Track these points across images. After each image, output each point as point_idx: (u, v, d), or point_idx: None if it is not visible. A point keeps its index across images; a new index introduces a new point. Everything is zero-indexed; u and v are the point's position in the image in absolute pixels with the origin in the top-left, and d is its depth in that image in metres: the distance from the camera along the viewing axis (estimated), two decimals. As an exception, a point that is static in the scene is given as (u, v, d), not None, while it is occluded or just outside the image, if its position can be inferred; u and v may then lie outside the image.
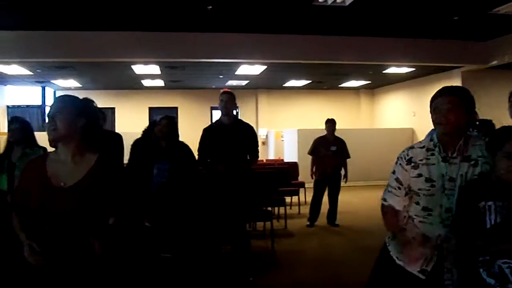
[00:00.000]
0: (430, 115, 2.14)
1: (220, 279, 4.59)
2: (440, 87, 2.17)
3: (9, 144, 4.12)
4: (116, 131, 8.42)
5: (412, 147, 2.21)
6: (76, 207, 1.97)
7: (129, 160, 4.93)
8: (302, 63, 9.88)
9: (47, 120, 2.07)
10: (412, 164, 2.14)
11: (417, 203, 2.14)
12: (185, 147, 4.78)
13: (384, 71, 11.53)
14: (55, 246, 1.96)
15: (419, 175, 2.11)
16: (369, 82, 14.03)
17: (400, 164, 2.19)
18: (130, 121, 14.49)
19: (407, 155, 2.18)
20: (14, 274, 2.21)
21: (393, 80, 13.43)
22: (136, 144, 5.12)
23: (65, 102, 2.09)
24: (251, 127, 4.95)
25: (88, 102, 2.23)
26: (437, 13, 7.19)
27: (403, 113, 13.79)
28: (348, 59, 9.22)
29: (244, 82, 13.57)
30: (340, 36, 8.51)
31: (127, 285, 2.20)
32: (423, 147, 2.17)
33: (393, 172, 2.23)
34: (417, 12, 7.08)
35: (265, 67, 10.58)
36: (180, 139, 4.96)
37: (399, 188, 2.20)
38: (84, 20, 7.40)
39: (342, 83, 14.31)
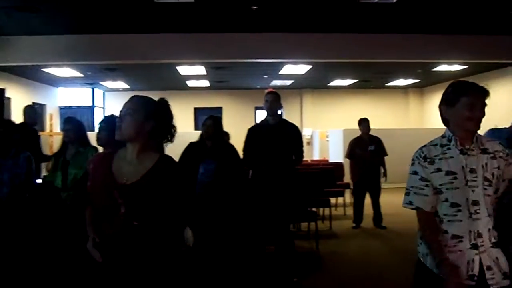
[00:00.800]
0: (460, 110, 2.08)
1: (264, 280, 4.57)
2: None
3: (64, 143, 4.32)
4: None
5: (424, 146, 2.20)
6: (135, 203, 2.00)
7: (179, 160, 4.97)
8: (348, 62, 9.71)
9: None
10: (428, 160, 2.12)
11: (446, 200, 2.08)
12: (230, 147, 4.80)
13: (433, 69, 11.18)
14: (117, 241, 2.01)
15: (438, 170, 2.08)
16: (418, 80, 13.65)
17: (418, 163, 2.15)
18: (176, 121, 14.68)
19: (422, 152, 2.16)
20: (76, 269, 2.28)
21: (444, 78, 12.94)
22: (190, 146, 5.14)
23: (136, 104, 2.11)
24: (296, 127, 4.92)
25: (162, 104, 2.22)
26: (491, 7, 6.88)
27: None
28: (396, 57, 8.97)
29: (288, 82, 13.51)
30: (387, 34, 8.30)
31: (179, 283, 2.21)
32: (435, 144, 2.16)
33: (414, 173, 2.16)
34: (469, 6, 6.81)
35: (310, 66, 10.49)
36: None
37: (427, 186, 2.12)
38: (132, 23, 7.60)
39: (389, 82, 14.00)
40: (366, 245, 6.20)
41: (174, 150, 4.84)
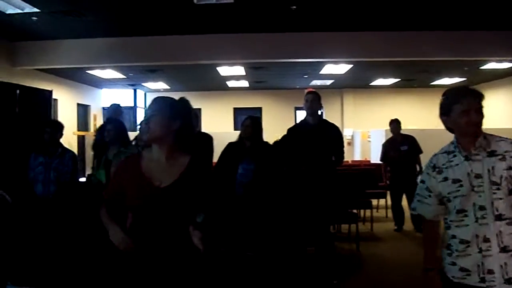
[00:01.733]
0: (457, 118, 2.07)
1: (304, 281, 4.52)
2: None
3: (105, 143, 4.43)
4: (202, 131, 8.67)
5: (435, 154, 2.20)
6: (171, 207, 2.01)
7: (218, 160, 4.99)
8: (390, 61, 9.49)
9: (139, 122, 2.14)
10: (437, 169, 2.14)
11: (454, 208, 2.08)
12: (269, 147, 4.77)
13: (481, 67, 10.76)
14: (152, 242, 2.01)
15: (445, 179, 2.10)
16: (464, 79, 13.16)
17: (427, 173, 2.19)
18: (216, 121, 14.86)
19: (431, 162, 2.18)
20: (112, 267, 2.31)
21: (493, 76, 12.47)
22: (229, 146, 5.16)
23: (161, 105, 2.11)
24: (337, 128, 4.86)
25: (184, 103, 2.24)
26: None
27: (503, 112, 12.78)
28: (441, 56, 8.67)
29: (329, 82, 13.36)
30: (431, 31, 8.04)
31: (214, 281, 2.21)
32: (444, 152, 2.17)
33: (422, 182, 2.22)
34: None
35: (351, 65, 10.32)
36: (264, 139, 4.96)
37: (430, 196, 2.17)
38: (172, 25, 7.70)
39: (434, 81, 13.58)
40: (407, 248, 6.04)
41: (214, 150, 4.90)
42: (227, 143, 4.80)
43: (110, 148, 4.38)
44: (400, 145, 6.92)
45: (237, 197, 4.51)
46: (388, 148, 7.10)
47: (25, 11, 6.60)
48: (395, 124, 7.09)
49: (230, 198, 4.47)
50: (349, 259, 5.39)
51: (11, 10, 6.57)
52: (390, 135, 7.37)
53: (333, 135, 4.76)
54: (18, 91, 6.03)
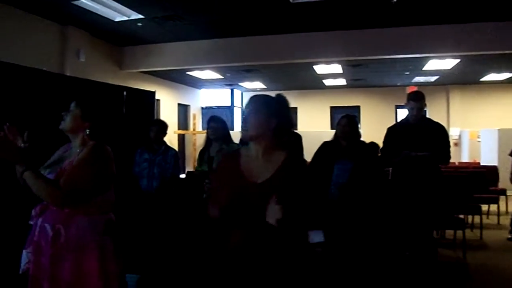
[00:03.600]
0: None
1: (401, 285, 4.29)
2: None
3: (208, 140, 4.56)
4: (298, 130, 8.62)
5: None
6: (265, 202, 1.98)
7: (312, 160, 4.91)
8: (504, 54, 8.69)
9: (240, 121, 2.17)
10: None
11: None
12: (367, 147, 4.58)
13: None
14: (249, 239, 2.02)
15: None
16: None
17: None
18: (312, 120, 14.74)
19: None
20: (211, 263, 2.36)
21: None
22: (324, 145, 5.07)
23: (257, 103, 2.13)
24: (441, 127, 4.55)
25: (281, 100, 2.21)
26: None
27: None
28: None
29: (433, 78, 12.61)
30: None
31: (308, 280, 2.15)
32: None
33: None
34: None
35: (458, 60, 9.63)
36: (363, 138, 4.80)
37: None
38: (268, 25, 7.73)
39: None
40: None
41: (309, 149, 4.82)
42: (322, 142, 4.70)
43: (212, 145, 4.54)
44: None
45: (332, 199, 4.39)
46: None
47: (131, 18, 7.08)
48: None
49: (325, 199, 4.38)
50: (454, 268, 5.02)
51: (118, 18, 7.09)
52: (505, 134, 6.77)
53: (437, 134, 4.47)
54: (125, 93, 6.40)
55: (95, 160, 2.38)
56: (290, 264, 2.02)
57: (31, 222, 2.39)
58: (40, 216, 2.35)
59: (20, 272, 2.35)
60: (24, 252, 2.36)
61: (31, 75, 5.00)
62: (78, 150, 2.44)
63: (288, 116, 2.20)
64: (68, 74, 7.28)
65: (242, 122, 2.12)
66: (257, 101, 2.14)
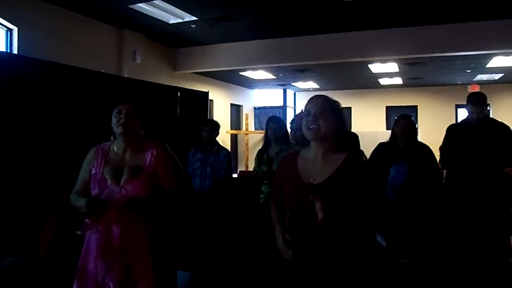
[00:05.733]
0: None
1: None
2: None
3: (267, 140, 4.55)
4: (352, 130, 8.47)
5: None
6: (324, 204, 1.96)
7: (369, 160, 4.81)
8: None
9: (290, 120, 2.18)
10: None
11: None
12: (425, 148, 4.41)
13: None
14: (307, 240, 2.01)
15: None
16: None
17: None
18: (367, 120, 14.44)
19: None
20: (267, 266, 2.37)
21: None
22: (380, 146, 4.95)
23: (327, 103, 2.12)
24: (506, 127, 4.33)
25: (337, 103, 2.22)
26: None
27: None
28: None
29: (497, 76, 12.00)
30: None
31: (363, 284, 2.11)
32: None
33: None
34: None
35: (525, 56, 9.14)
36: (420, 139, 4.64)
37: None
38: (322, 24, 7.64)
39: None
40: None
41: (364, 149, 4.71)
42: (378, 143, 4.57)
43: (271, 146, 4.51)
44: None
45: (389, 201, 4.27)
46: None
47: (185, 20, 7.19)
48: None
49: (382, 201, 4.27)
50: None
51: (173, 20, 7.24)
52: None
53: (501, 134, 4.25)
54: (179, 93, 6.52)
55: (175, 158, 2.58)
56: (343, 262, 2.00)
57: (89, 233, 2.43)
58: (115, 223, 2.39)
59: (100, 280, 2.38)
60: (99, 261, 2.39)
61: (91, 77, 5.19)
62: (149, 153, 2.50)
63: (344, 119, 2.20)
64: (125, 76, 7.53)
65: (292, 123, 2.10)
66: (326, 101, 2.13)
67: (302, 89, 14.53)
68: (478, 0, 6.42)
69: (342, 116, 2.13)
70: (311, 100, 2.13)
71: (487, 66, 10.21)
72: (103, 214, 2.37)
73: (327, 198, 1.95)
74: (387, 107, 14.93)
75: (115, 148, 2.54)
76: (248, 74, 11.24)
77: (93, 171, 2.49)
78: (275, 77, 12.04)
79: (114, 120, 2.50)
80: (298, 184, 2.06)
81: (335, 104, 2.14)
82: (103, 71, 5.83)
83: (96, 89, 5.08)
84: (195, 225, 4.70)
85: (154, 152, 2.48)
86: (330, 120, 2.06)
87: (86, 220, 2.40)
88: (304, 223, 2.00)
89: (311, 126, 2.05)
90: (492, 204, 4.22)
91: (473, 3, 6.52)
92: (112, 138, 2.57)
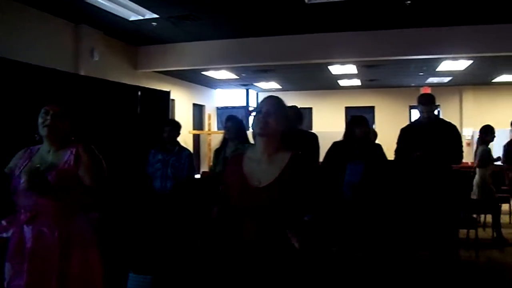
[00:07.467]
0: None
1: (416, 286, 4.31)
2: None
3: (224, 140, 4.57)
4: (313, 130, 8.63)
5: None
6: (270, 205, 2.02)
7: (323, 160, 4.95)
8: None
9: (252, 116, 2.22)
10: None
11: None
12: (377, 147, 4.63)
13: None
14: (254, 241, 2.04)
15: None
16: None
17: None
18: (327, 120, 14.73)
19: None
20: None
21: None
22: (335, 145, 5.10)
23: (278, 103, 2.17)
24: (454, 127, 4.61)
25: (286, 105, 2.29)
26: None
27: None
28: None
29: (446, 79, 12.54)
30: None
31: (318, 282, 2.18)
32: None
33: None
34: None
35: (471, 61, 9.60)
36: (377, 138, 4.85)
37: None
38: (284, 25, 7.77)
39: None
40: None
41: (324, 149, 4.86)
42: (332, 142, 4.74)
43: (228, 145, 4.53)
44: None
45: (345, 198, 4.43)
46: (509, 149, 6.61)
47: (145, 17, 7.10)
48: None
49: (337, 199, 4.42)
50: (466, 267, 5.03)
51: (133, 17, 7.11)
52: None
53: (450, 134, 4.52)
54: (139, 93, 6.43)
55: (98, 156, 2.53)
56: (292, 264, 2.04)
57: (5, 235, 2.40)
58: (27, 223, 2.36)
59: (6, 285, 2.34)
60: (8, 264, 2.35)
61: (44, 74, 4.97)
62: (69, 151, 2.47)
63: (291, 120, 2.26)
64: (82, 74, 7.28)
65: (259, 116, 2.14)
66: (277, 101, 2.18)
67: (265, 89, 14.64)
68: (429, 9, 6.76)
69: (289, 117, 2.19)
70: (263, 100, 2.20)
71: (438, 69, 10.68)
72: (16, 216, 2.35)
73: (274, 198, 2.01)
74: (346, 108, 15.26)
75: (41, 150, 2.53)
76: (211, 73, 11.23)
77: (17, 172, 2.46)
78: (238, 77, 12.08)
79: (40, 120, 2.48)
80: (244, 187, 2.08)
81: (284, 105, 2.20)
82: (58, 68, 5.55)
83: (49, 88, 4.81)
84: (156, 227, 4.62)
85: (74, 151, 2.46)
86: (278, 119, 2.10)
87: (2, 221, 2.37)
88: (256, 228, 2.04)
89: (260, 122, 2.11)
90: (443, 199, 4.44)
91: (425, 11, 6.87)
92: (36, 138, 2.53)
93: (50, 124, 2.45)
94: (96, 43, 7.91)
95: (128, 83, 7.37)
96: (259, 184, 2.06)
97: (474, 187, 6.33)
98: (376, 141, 7.67)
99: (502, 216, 7.47)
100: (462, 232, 5.98)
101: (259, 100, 2.32)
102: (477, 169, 6.41)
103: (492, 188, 6.35)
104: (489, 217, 6.63)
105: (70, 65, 7.41)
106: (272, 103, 2.15)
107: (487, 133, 6.35)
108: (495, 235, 6.19)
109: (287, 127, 2.15)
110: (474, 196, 6.28)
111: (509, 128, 7.30)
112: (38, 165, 2.38)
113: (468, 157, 11.85)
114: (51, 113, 2.46)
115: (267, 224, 2.01)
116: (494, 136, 6.45)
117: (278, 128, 2.11)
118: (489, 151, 6.36)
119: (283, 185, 2.04)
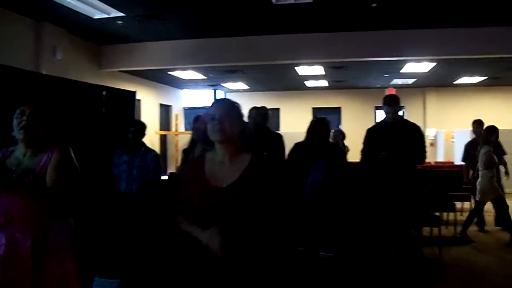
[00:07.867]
0: None
1: (383, 283, 4.38)
2: None
3: (193, 141, 4.48)
4: (280, 131, 8.68)
5: None
6: (233, 206, 2.01)
7: (287, 160, 4.97)
8: (476, 58, 8.91)
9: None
10: None
11: None
12: (335, 147, 4.73)
13: None
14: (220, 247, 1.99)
15: None
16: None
17: None
18: (294, 121, 14.82)
19: None
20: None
21: None
22: (297, 146, 5.14)
23: (231, 107, 2.15)
24: (417, 127, 4.73)
25: (239, 105, 2.28)
26: None
27: None
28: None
29: (410, 81, 12.85)
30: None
31: (286, 282, 2.19)
32: None
33: None
34: None
35: (434, 64, 9.86)
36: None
37: None
38: (251, 26, 7.80)
39: (525, 79, 12.63)
40: (496, 254, 5.67)
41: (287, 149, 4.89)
42: (294, 144, 4.79)
43: (197, 146, 4.49)
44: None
45: (308, 198, 4.49)
46: (470, 149, 6.84)
47: (111, 15, 6.95)
48: (477, 124, 6.98)
49: (301, 199, 4.46)
50: (430, 264, 5.15)
51: (98, 15, 6.94)
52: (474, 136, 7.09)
53: (414, 134, 4.64)
54: (104, 92, 6.29)
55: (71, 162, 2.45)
56: (264, 263, 2.04)
57: None
58: (0, 229, 2.29)
59: None
60: None
61: (3, 73, 4.76)
62: (46, 155, 2.40)
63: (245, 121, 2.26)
64: (43, 73, 7.05)
65: (214, 123, 2.11)
66: (229, 104, 2.17)
67: (232, 89, 14.64)
68: (394, 12, 6.91)
69: (243, 118, 2.19)
70: (214, 105, 2.18)
71: (402, 71, 10.93)
72: None
73: (236, 199, 2.00)
74: (313, 108, 15.41)
75: (16, 152, 2.44)
76: (178, 74, 11.15)
77: None
78: (205, 78, 12.02)
79: (15, 122, 2.39)
80: (206, 188, 2.07)
81: (238, 106, 2.19)
82: (18, 66, 5.34)
83: (9, 87, 4.60)
84: (122, 230, 4.51)
85: (51, 155, 2.39)
86: (234, 122, 2.09)
87: None
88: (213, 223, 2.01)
89: (216, 130, 2.08)
90: (407, 197, 4.54)
91: (389, 14, 7.02)
92: (11, 139, 2.45)
93: (27, 125, 2.37)
94: (58, 41, 7.70)
95: (93, 82, 7.21)
96: (222, 185, 2.05)
97: (478, 190, 6.29)
98: (344, 142, 7.87)
99: (463, 213, 7.72)
100: (426, 230, 6.14)
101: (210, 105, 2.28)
102: (482, 171, 6.23)
103: (501, 187, 6.42)
104: (451, 215, 6.80)
105: (31, 63, 7.19)
106: (224, 107, 2.14)
107: (491, 133, 6.36)
108: (458, 234, 6.35)
109: (243, 128, 2.15)
110: (477, 198, 6.37)
111: (470, 128, 7.50)
112: (13, 168, 2.30)
113: (431, 157, 12.20)
114: (28, 113, 2.38)
115: (229, 225, 1.99)
116: (498, 137, 6.50)
117: (234, 131, 2.10)
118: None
119: (245, 185, 2.04)
